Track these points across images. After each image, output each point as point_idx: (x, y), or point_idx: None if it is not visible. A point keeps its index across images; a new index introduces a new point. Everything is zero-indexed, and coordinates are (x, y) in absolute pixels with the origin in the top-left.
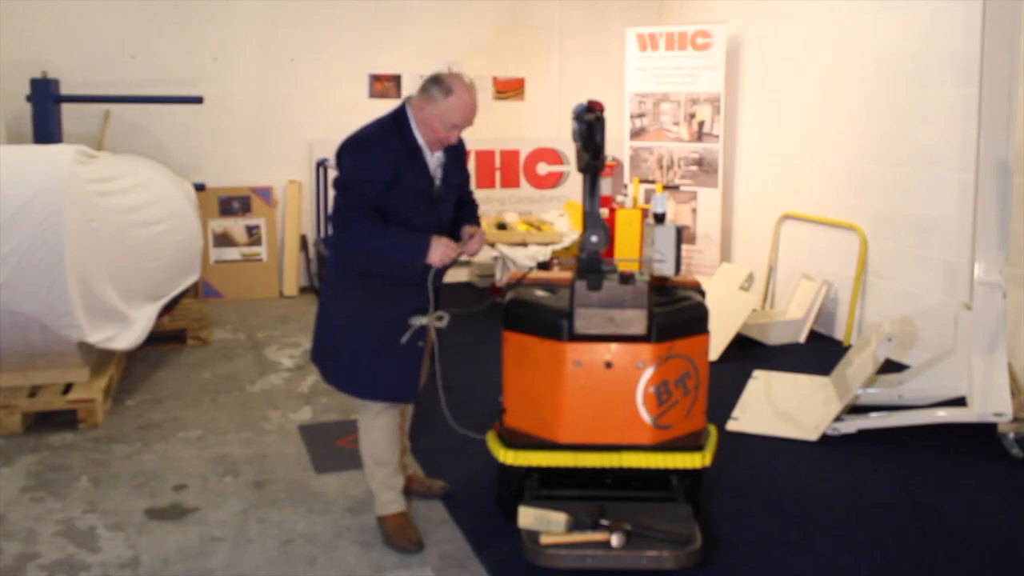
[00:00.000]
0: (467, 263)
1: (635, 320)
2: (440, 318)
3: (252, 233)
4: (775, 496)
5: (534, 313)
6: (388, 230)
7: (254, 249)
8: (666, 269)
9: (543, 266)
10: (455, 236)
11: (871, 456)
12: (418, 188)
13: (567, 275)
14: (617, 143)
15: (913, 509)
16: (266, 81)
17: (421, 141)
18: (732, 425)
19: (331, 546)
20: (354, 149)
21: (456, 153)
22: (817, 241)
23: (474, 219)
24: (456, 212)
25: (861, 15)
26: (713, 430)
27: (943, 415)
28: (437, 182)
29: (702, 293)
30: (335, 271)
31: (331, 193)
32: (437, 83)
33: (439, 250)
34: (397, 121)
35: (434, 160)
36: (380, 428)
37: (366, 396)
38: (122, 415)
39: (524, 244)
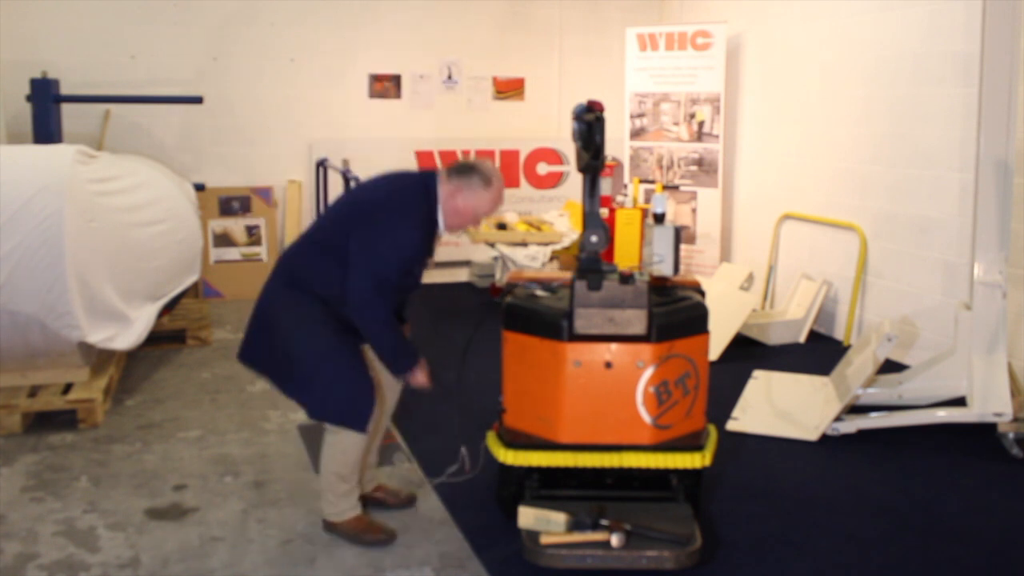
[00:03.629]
0: (467, 262)
1: (635, 320)
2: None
3: (252, 233)
4: (775, 496)
5: (534, 313)
6: (396, 326)
7: (254, 249)
8: (665, 269)
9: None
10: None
11: (871, 456)
12: (422, 260)
13: (566, 275)
14: (617, 143)
15: (913, 509)
16: (266, 81)
17: (440, 219)
18: (732, 425)
19: (331, 546)
20: (400, 218)
21: None
22: (817, 241)
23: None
24: None
25: (861, 15)
26: (713, 430)
27: (943, 415)
28: (432, 255)
29: (702, 293)
30: (292, 287)
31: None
32: (477, 172)
33: (419, 377)
34: (428, 197)
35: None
36: (352, 447)
37: (319, 417)
38: (122, 415)
39: (524, 244)
